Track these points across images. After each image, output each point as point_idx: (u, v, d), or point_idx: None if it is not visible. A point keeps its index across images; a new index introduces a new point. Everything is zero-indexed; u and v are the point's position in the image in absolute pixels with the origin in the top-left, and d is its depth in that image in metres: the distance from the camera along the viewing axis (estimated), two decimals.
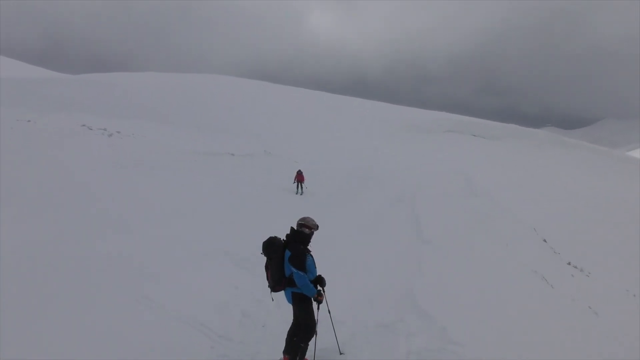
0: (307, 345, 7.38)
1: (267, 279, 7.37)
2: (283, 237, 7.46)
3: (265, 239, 7.34)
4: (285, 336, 7.82)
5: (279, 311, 9.93)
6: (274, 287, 7.27)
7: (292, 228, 7.46)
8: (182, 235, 14.68)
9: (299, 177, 25.69)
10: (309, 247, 7.46)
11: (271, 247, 7.21)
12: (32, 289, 9.34)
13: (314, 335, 7.27)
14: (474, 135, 48.87)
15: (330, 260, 13.53)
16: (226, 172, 23.74)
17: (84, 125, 25.70)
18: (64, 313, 8.64)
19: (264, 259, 7.41)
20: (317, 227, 7.52)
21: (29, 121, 25.04)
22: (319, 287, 7.30)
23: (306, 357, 7.56)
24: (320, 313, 7.42)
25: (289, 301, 7.39)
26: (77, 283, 10.04)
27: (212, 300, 10.33)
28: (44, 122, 25.17)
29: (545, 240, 21.38)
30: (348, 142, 36.45)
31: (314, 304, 7.32)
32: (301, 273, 7.03)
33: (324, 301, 7.45)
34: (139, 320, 8.93)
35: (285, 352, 7.44)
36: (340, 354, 7.57)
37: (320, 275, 7.33)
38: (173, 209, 17.27)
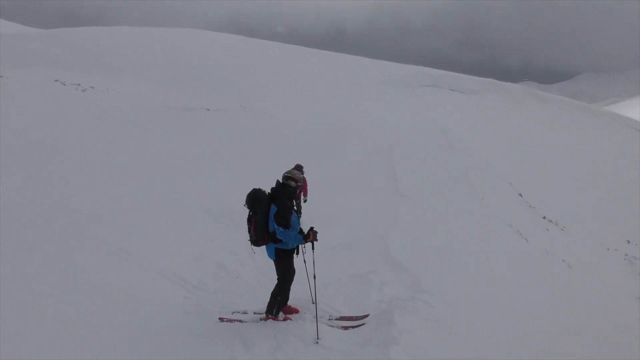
0: (285, 297, 7.47)
1: (249, 232, 7.23)
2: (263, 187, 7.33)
3: (248, 191, 7.19)
4: (258, 286, 7.83)
5: (253, 263, 10.07)
6: (256, 241, 7.17)
7: (277, 181, 7.33)
8: (158, 191, 14.66)
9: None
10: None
11: (255, 200, 7.06)
12: (9, 246, 9.27)
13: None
14: (452, 90, 48.65)
15: (306, 212, 13.60)
16: (202, 127, 23.43)
17: (57, 81, 25.12)
18: (44, 266, 8.68)
19: (241, 213, 7.30)
20: (302, 181, 7.43)
21: (0, 77, 24.42)
22: (305, 233, 7.21)
23: (289, 304, 7.69)
24: (295, 263, 7.47)
25: (270, 257, 7.33)
26: (55, 237, 10.14)
27: (188, 253, 10.47)
28: (16, 77, 24.57)
29: (520, 195, 21.55)
30: (325, 96, 36.10)
31: (304, 251, 7.35)
32: (285, 230, 7.00)
33: (301, 253, 7.48)
34: (115, 271, 9.04)
35: (267, 311, 7.45)
36: (313, 303, 7.56)
37: (312, 228, 7.20)
38: (150, 165, 17.12)
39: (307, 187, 14.35)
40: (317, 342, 6.72)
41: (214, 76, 35.33)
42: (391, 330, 6.81)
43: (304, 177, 13.40)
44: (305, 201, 14.31)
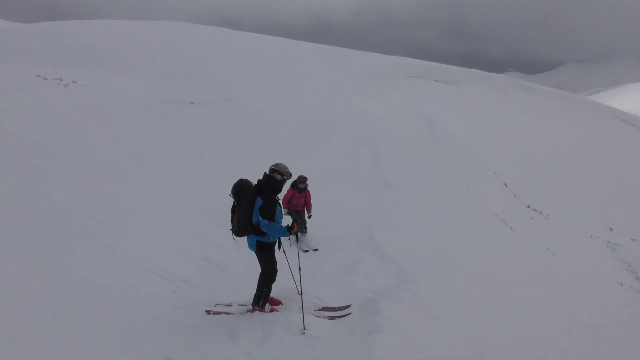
0: (270, 289, 7.49)
1: (232, 221, 7.29)
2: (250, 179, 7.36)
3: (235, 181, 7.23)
4: (244, 278, 7.87)
5: (239, 255, 10.05)
6: (238, 232, 7.22)
7: (265, 174, 7.33)
8: (151, 188, 14.45)
9: (299, 201, 12.53)
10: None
11: (241, 191, 7.10)
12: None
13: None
14: (437, 81, 48.56)
15: None
16: (188, 122, 23.24)
17: (38, 76, 24.73)
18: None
19: (229, 208, 7.34)
20: (289, 175, 7.41)
21: None
22: (289, 225, 7.25)
23: (271, 295, 7.69)
24: (278, 256, 7.51)
25: (250, 248, 7.39)
26: (40, 232, 9.96)
27: (175, 248, 10.40)
28: None
29: (505, 184, 21.67)
30: (311, 88, 35.94)
31: (290, 243, 7.44)
32: (270, 222, 7.05)
33: (283, 246, 7.57)
34: (108, 269, 8.96)
35: (253, 303, 7.50)
36: (299, 294, 7.60)
37: (297, 219, 7.30)
38: (136, 160, 16.93)
39: (312, 202, 12.67)
40: (304, 333, 6.79)
41: (197, 69, 34.97)
42: (376, 319, 6.88)
43: (307, 190, 12.62)
44: (309, 217, 12.46)
